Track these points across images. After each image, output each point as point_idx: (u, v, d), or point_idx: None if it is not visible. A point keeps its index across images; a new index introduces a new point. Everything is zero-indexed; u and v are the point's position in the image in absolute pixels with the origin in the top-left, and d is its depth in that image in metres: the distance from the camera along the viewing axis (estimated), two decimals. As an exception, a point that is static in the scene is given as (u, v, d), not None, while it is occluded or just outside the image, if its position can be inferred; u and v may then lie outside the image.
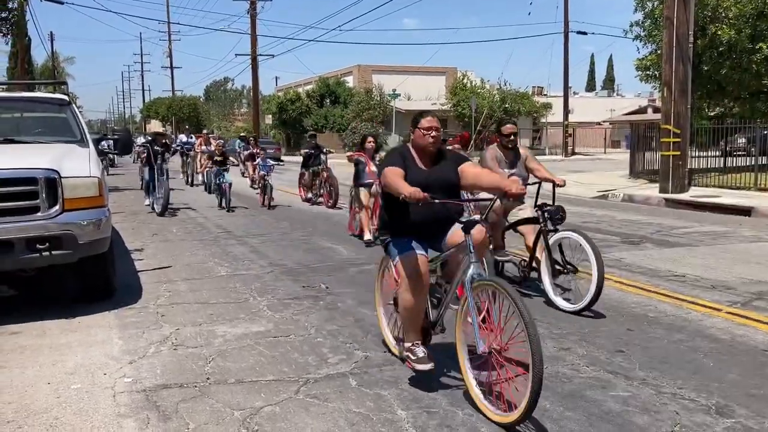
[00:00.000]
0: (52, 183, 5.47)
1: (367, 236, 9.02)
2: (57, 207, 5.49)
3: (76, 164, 5.79)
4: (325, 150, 15.35)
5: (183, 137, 24.35)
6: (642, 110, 50.22)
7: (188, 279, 7.16)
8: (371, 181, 8.99)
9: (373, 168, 9.05)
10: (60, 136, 6.74)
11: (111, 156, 22.94)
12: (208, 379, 4.19)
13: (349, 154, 10.37)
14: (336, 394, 3.93)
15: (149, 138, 16.18)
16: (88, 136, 6.88)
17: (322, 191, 14.80)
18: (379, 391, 3.96)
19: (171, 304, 6.07)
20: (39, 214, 5.41)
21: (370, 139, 9.71)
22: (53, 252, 5.45)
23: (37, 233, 5.38)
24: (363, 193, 9.29)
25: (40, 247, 5.38)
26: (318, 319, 5.55)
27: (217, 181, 14.06)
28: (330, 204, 14.08)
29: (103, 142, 7.09)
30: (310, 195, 15.42)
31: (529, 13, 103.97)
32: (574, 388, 3.99)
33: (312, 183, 15.35)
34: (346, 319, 5.52)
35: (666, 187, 15.09)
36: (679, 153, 15.06)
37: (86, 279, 6.09)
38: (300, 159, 16.91)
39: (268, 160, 15.22)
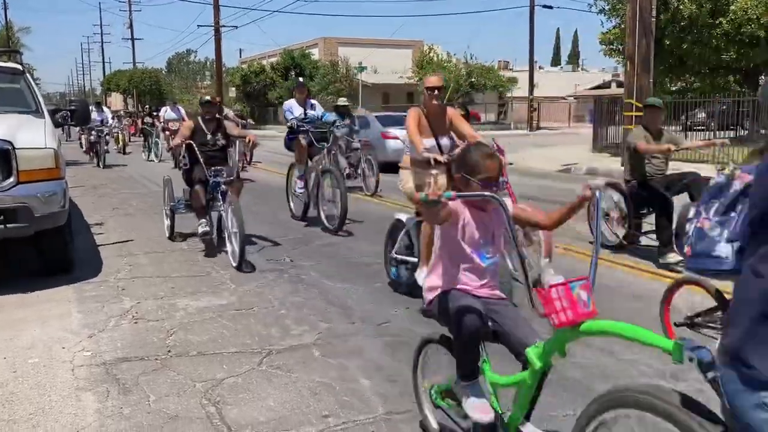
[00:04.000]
0: (6, 154, 5.31)
1: None
2: (11, 179, 5.34)
3: (30, 135, 5.63)
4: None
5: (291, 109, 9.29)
6: (606, 85, 50.74)
7: (149, 252, 7.06)
8: None
9: None
10: (14, 107, 6.53)
11: (102, 149, 17.36)
12: (169, 351, 4.16)
13: None
14: (299, 364, 3.94)
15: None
16: (43, 106, 6.70)
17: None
18: (342, 361, 3.98)
19: (132, 278, 5.98)
20: (-8, 186, 5.26)
21: None
22: (8, 225, 5.32)
23: None
24: None
25: (-6, 220, 5.24)
26: (282, 291, 5.53)
27: None
28: None
29: (60, 113, 6.88)
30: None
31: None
32: (535, 356, 4.04)
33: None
34: (310, 292, 5.51)
35: (628, 160, 15.29)
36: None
37: (44, 252, 5.96)
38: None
39: None
